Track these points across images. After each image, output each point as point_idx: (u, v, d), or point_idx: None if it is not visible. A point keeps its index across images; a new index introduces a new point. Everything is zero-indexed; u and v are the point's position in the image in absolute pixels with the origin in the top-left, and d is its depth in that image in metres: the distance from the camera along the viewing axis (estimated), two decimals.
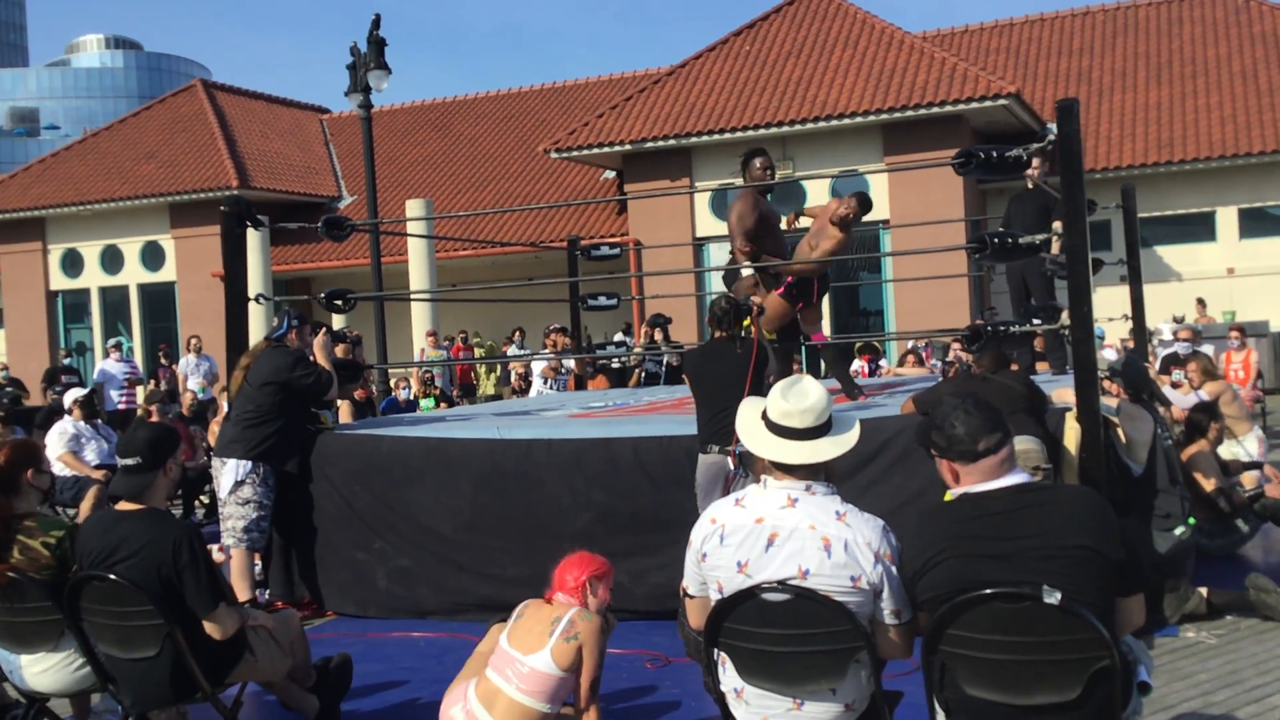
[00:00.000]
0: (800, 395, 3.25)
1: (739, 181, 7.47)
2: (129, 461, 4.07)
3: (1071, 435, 5.83)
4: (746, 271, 7.42)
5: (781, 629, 3.13)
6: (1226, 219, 21.21)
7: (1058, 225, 7.99)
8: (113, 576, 3.93)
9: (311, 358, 6.85)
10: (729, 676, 3.25)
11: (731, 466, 5.80)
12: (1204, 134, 21.16)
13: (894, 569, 3.09)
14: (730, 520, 3.19)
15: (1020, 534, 2.90)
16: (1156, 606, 5.67)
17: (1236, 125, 21.04)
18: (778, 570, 3.10)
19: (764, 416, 3.28)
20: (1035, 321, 7.18)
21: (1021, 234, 6.50)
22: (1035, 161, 8.45)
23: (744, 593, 3.15)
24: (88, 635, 4.14)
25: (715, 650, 3.27)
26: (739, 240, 7.30)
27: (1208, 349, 12.72)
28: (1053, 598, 2.82)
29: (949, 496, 3.09)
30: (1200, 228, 21.38)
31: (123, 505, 4.11)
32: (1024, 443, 5.44)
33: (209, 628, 4.02)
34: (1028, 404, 5.94)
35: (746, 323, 6.77)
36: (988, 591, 2.89)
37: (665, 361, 12.95)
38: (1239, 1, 24.28)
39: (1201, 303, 19.34)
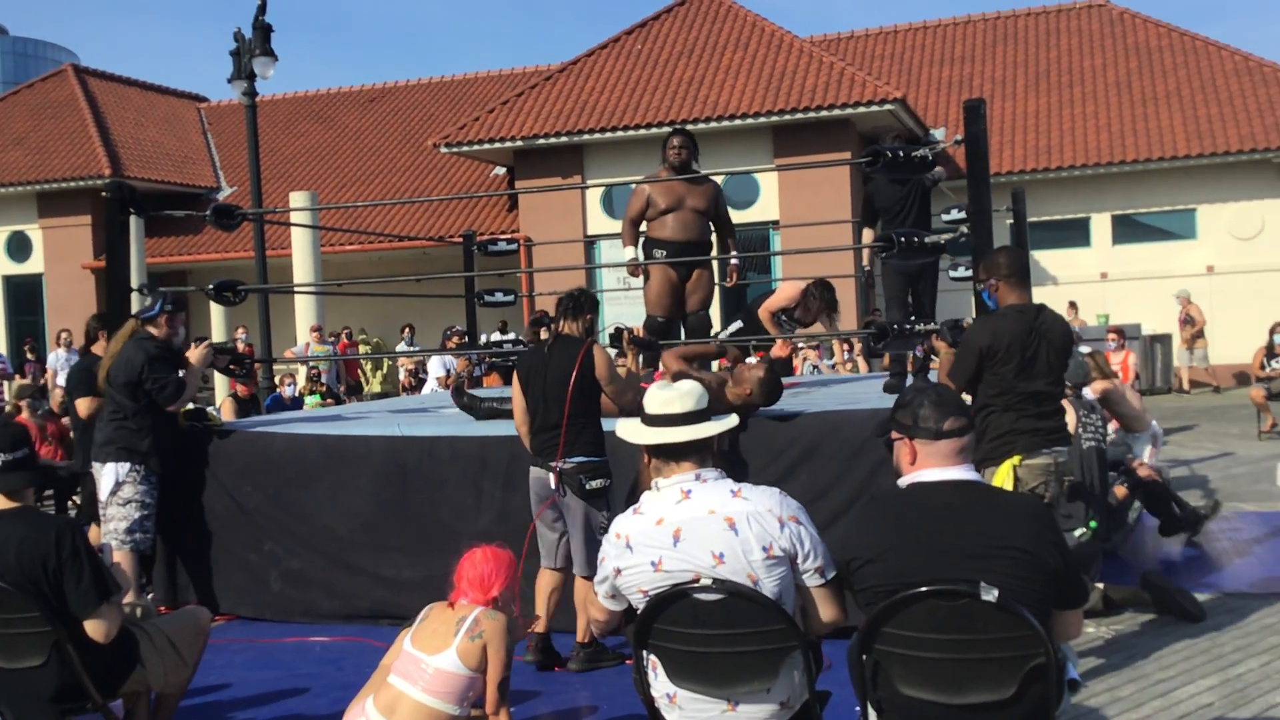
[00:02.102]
0: (674, 387, 3.32)
1: (632, 179, 7.54)
2: (13, 456, 3.81)
3: None
4: (628, 255, 7.58)
5: (714, 629, 3.06)
6: (1100, 225, 21.90)
7: None
8: None
9: (177, 343, 6.52)
10: (660, 682, 3.17)
11: (553, 485, 5.33)
12: (1080, 142, 21.82)
13: (803, 528, 3.10)
14: (632, 529, 3.18)
15: (962, 531, 2.88)
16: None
17: (1111, 134, 21.74)
18: (693, 562, 3.06)
19: (643, 419, 3.29)
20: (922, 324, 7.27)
21: (925, 232, 6.55)
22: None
23: (676, 593, 3.08)
24: None
25: (645, 654, 3.19)
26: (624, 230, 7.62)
27: (1084, 350, 13.08)
28: (990, 595, 2.80)
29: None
30: (1075, 233, 22.03)
31: None
32: (1061, 455, 5.07)
33: (91, 627, 3.75)
34: (1071, 350, 5.32)
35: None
36: (924, 589, 2.86)
37: None
38: (1114, 14, 25.11)
39: (1073, 306, 19.90)
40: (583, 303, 5.54)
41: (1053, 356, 4.98)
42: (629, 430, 3.34)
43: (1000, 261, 5.16)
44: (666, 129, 20.72)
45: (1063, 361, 5.05)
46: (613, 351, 6.40)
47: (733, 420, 3.39)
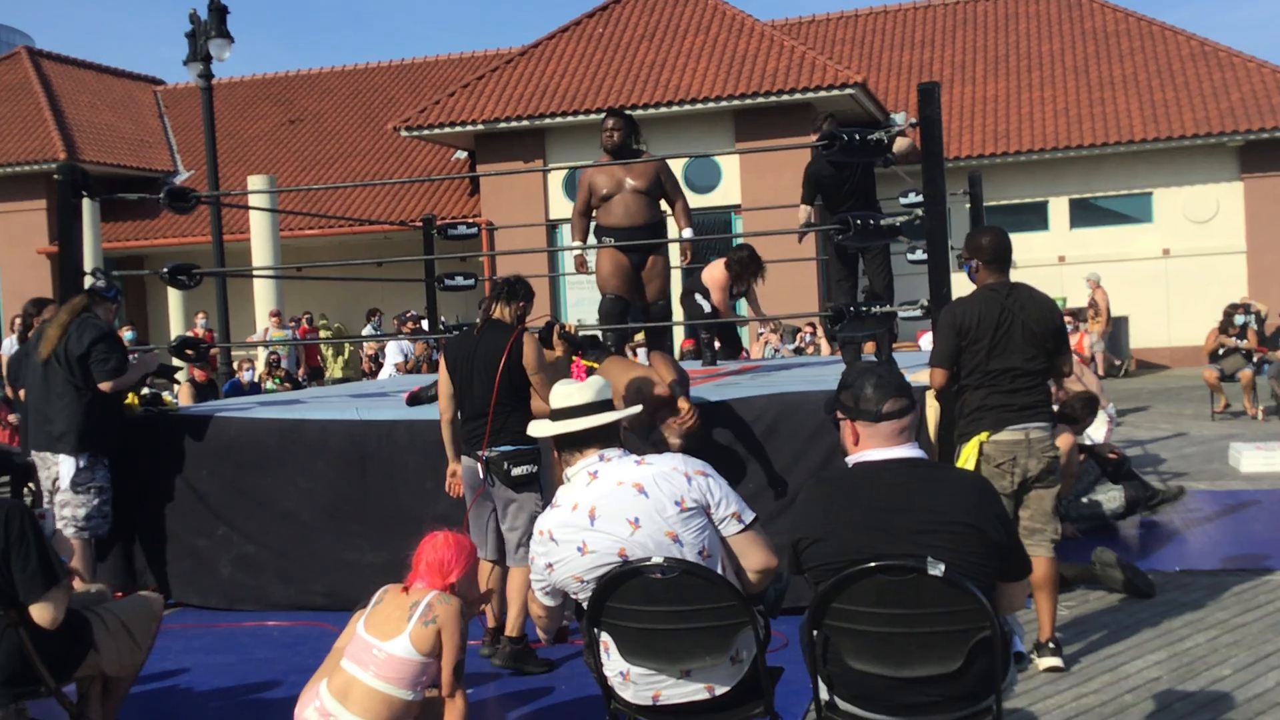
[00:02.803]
0: (576, 382, 3.49)
1: (594, 163, 7.42)
2: None
3: (932, 415, 5.93)
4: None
5: (666, 606, 3.10)
6: (1058, 209, 22.09)
7: None
8: None
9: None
10: (613, 660, 3.20)
11: (481, 475, 5.20)
12: (1038, 126, 21.98)
13: (710, 480, 3.23)
14: (553, 522, 3.28)
15: (907, 507, 2.92)
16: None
17: (1069, 118, 21.91)
18: (613, 534, 3.16)
19: (550, 416, 3.46)
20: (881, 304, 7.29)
21: (881, 215, 6.58)
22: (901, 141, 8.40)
23: (627, 571, 3.11)
24: None
25: (597, 633, 3.21)
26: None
27: None
28: (936, 569, 2.84)
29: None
30: (1033, 217, 22.21)
31: None
32: (1035, 430, 4.98)
33: (36, 611, 3.72)
34: (1061, 330, 5.15)
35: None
36: (872, 565, 2.90)
37: None
38: None
39: None
40: (518, 289, 5.37)
41: (1028, 334, 4.95)
42: (537, 427, 3.52)
43: (983, 244, 5.18)
44: (628, 113, 20.75)
45: (1041, 338, 4.99)
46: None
47: (637, 409, 3.62)
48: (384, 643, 3.73)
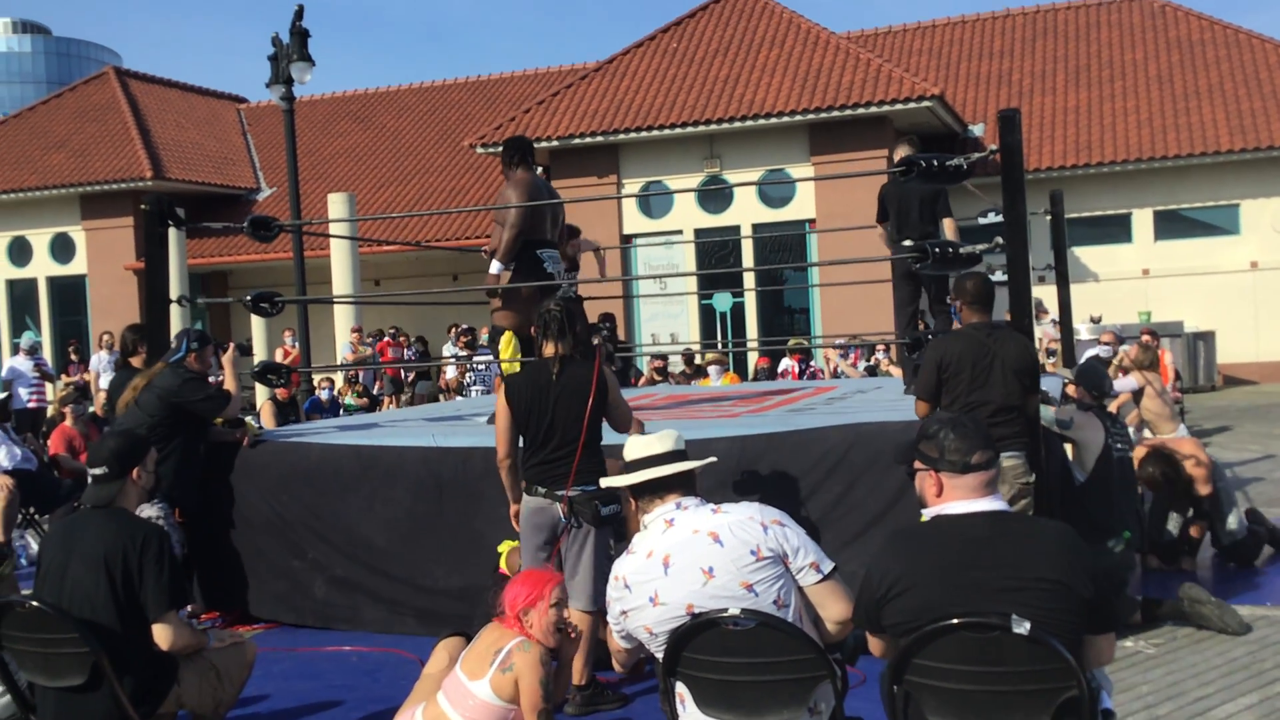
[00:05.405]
0: (653, 433, 3.51)
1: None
2: (96, 471, 4.04)
3: None
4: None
5: (744, 658, 3.07)
6: (1142, 221, 21.65)
7: (948, 224, 7.53)
8: (35, 604, 3.76)
9: (218, 379, 6.48)
10: (689, 713, 3.17)
11: (561, 516, 4.92)
12: (1121, 137, 21.58)
13: (787, 529, 3.20)
14: (628, 568, 3.28)
15: (993, 563, 2.85)
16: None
17: (1153, 129, 21.48)
18: (686, 584, 3.14)
19: (624, 466, 3.47)
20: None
21: (963, 244, 6.49)
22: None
23: (704, 622, 3.09)
24: (7, 663, 3.95)
25: (674, 682, 3.19)
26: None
27: (1124, 347, 12.92)
28: (1022, 628, 2.78)
29: (925, 518, 3.05)
30: (1117, 229, 21.80)
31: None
32: (1008, 459, 5.28)
33: (158, 632, 3.88)
34: (1035, 368, 5.49)
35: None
36: (955, 621, 2.84)
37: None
38: (1155, 6, 24.80)
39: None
40: (561, 316, 5.04)
41: (1007, 372, 5.37)
42: (612, 479, 3.54)
43: (967, 287, 5.68)
44: (703, 128, 20.80)
45: (1019, 375, 5.39)
46: None
47: (712, 459, 3.70)
48: (472, 684, 3.81)
